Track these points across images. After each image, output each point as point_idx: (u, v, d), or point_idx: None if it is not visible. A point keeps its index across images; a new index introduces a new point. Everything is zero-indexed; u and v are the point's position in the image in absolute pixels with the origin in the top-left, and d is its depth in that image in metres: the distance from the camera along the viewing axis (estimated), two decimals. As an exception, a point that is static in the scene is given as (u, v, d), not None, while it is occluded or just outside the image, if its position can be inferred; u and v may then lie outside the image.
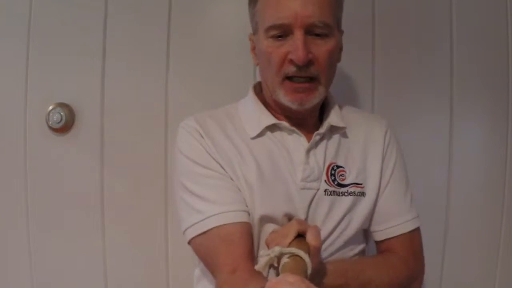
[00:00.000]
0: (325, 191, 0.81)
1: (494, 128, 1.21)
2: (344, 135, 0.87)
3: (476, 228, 1.21)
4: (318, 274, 0.73)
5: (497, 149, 1.21)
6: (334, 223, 0.81)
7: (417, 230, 0.88)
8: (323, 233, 0.78)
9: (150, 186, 1.13)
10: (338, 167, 0.83)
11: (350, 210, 0.82)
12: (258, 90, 0.90)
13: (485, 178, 1.22)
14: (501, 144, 1.21)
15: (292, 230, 0.70)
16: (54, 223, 1.12)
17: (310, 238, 0.67)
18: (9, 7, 1.10)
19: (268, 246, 0.73)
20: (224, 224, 0.75)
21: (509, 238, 1.22)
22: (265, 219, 0.79)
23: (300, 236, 0.70)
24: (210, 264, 0.78)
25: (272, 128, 0.84)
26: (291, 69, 0.78)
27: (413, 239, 0.87)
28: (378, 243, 0.89)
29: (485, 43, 1.20)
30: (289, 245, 0.68)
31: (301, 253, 0.63)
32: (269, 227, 0.78)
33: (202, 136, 0.81)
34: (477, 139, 1.22)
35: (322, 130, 0.83)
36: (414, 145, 1.18)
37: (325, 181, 0.82)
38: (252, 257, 0.76)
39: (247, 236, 0.76)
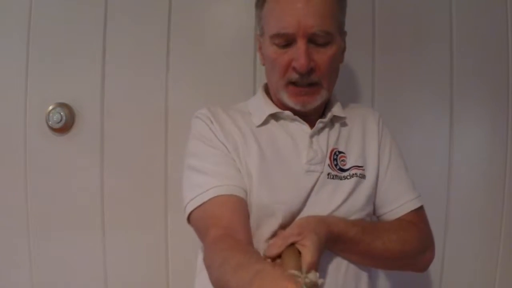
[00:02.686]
0: (328, 174, 0.84)
1: (494, 128, 1.22)
2: (344, 124, 0.91)
3: (476, 228, 1.21)
4: (332, 223, 0.77)
5: (497, 149, 1.21)
6: (337, 203, 0.83)
7: (421, 208, 0.90)
8: (326, 214, 0.81)
9: (150, 186, 1.13)
10: (340, 152, 0.87)
11: (352, 191, 0.85)
12: (267, 88, 0.93)
13: (485, 178, 1.22)
14: (501, 144, 1.21)
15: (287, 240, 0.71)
16: (54, 223, 1.12)
17: (305, 259, 0.68)
18: (9, 8, 1.10)
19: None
20: (223, 195, 0.78)
21: (509, 238, 1.22)
22: (265, 204, 0.81)
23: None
24: (205, 228, 0.78)
25: (275, 117, 0.88)
26: (294, 76, 0.82)
27: (419, 215, 0.90)
28: None
29: (485, 43, 1.20)
30: (282, 254, 0.69)
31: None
32: (266, 213, 0.80)
33: (212, 122, 0.85)
34: (477, 139, 1.22)
35: (325, 119, 0.87)
36: (414, 145, 1.18)
37: (328, 165, 0.85)
38: (248, 231, 0.78)
39: (245, 210, 0.79)
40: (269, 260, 0.70)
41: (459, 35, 1.19)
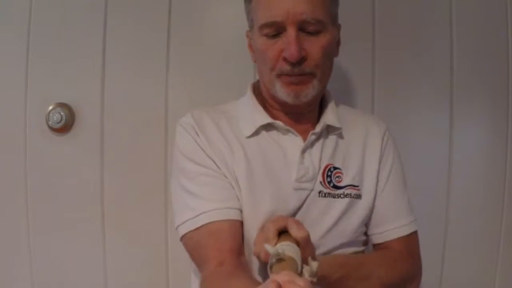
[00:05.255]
0: (319, 192, 0.81)
1: (494, 128, 1.21)
2: (341, 136, 0.87)
3: (476, 228, 1.21)
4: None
5: (497, 149, 1.21)
6: (329, 224, 0.80)
7: (414, 234, 0.88)
8: (317, 235, 0.79)
9: (150, 186, 1.13)
10: (335, 168, 0.83)
11: (345, 212, 0.82)
12: (257, 88, 0.90)
13: (485, 178, 1.22)
14: (501, 144, 1.21)
15: (271, 231, 0.70)
16: (54, 223, 1.12)
17: (294, 232, 0.67)
18: (9, 7, 1.10)
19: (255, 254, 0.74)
20: (214, 221, 0.76)
21: (509, 238, 1.22)
22: (251, 218, 0.79)
23: (283, 232, 0.70)
24: (197, 259, 0.79)
25: (267, 127, 0.84)
26: (285, 68, 0.78)
27: (410, 242, 0.87)
28: (375, 245, 0.89)
29: (485, 43, 1.20)
30: (275, 245, 0.67)
31: (293, 254, 0.62)
32: (255, 225, 0.78)
33: (197, 133, 0.82)
34: (477, 139, 1.22)
35: (318, 129, 0.83)
36: (414, 145, 1.18)
37: (321, 182, 0.81)
38: (240, 253, 0.77)
39: (236, 233, 0.77)
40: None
41: (459, 34, 1.19)
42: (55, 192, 1.12)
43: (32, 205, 1.12)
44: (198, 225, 0.76)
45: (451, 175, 1.19)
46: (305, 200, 0.80)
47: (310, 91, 0.81)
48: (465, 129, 1.20)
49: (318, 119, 0.87)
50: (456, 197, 1.20)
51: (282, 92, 0.81)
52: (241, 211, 0.78)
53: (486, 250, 1.22)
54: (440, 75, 1.19)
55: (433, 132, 1.20)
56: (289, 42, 0.76)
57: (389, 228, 0.86)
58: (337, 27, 0.85)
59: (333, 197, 0.81)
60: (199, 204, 0.77)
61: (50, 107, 1.11)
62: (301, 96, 0.80)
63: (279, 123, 0.83)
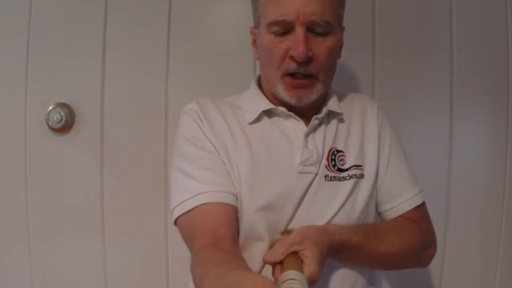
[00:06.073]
0: (325, 176, 0.81)
1: (494, 128, 1.22)
2: (342, 120, 0.87)
3: (476, 228, 1.22)
4: (334, 232, 0.74)
5: (497, 148, 1.21)
6: (337, 207, 0.80)
7: (423, 204, 0.89)
8: (325, 219, 0.79)
9: (150, 186, 1.13)
10: (338, 151, 0.84)
11: (351, 194, 0.82)
12: (260, 82, 0.91)
13: (485, 178, 1.22)
14: (501, 144, 1.21)
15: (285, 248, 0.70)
16: (54, 223, 1.12)
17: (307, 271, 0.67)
18: (9, 7, 1.10)
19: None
20: (211, 202, 0.75)
21: (509, 238, 1.22)
22: (253, 204, 0.78)
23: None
24: (190, 238, 0.76)
25: (269, 113, 0.85)
26: (291, 66, 0.79)
27: (420, 212, 0.88)
28: None
29: (485, 43, 1.20)
30: (284, 260, 0.68)
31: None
32: (257, 213, 0.78)
33: (200, 119, 0.83)
34: (477, 139, 1.22)
35: (321, 114, 0.84)
36: (414, 145, 1.18)
37: (326, 166, 0.82)
38: (235, 241, 0.76)
39: (232, 219, 0.76)
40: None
41: (459, 35, 1.19)
42: (55, 192, 1.12)
43: (32, 205, 1.12)
44: (195, 205, 0.75)
45: (451, 175, 1.20)
46: (310, 185, 0.80)
47: (313, 95, 0.82)
48: (465, 128, 1.20)
49: (319, 108, 0.87)
50: (456, 197, 1.20)
51: (284, 94, 0.81)
52: (237, 198, 0.78)
53: (486, 250, 1.22)
54: (440, 75, 1.19)
55: (433, 132, 1.20)
56: (297, 41, 0.76)
57: (399, 202, 0.86)
58: (342, 29, 0.86)
59: (339, 180, 0.82)
60: (197, 186, 0.77)
61: (50, 107, 1.11)
62: (304, 100, 0.81)
63: (281, 108, 0.84)
